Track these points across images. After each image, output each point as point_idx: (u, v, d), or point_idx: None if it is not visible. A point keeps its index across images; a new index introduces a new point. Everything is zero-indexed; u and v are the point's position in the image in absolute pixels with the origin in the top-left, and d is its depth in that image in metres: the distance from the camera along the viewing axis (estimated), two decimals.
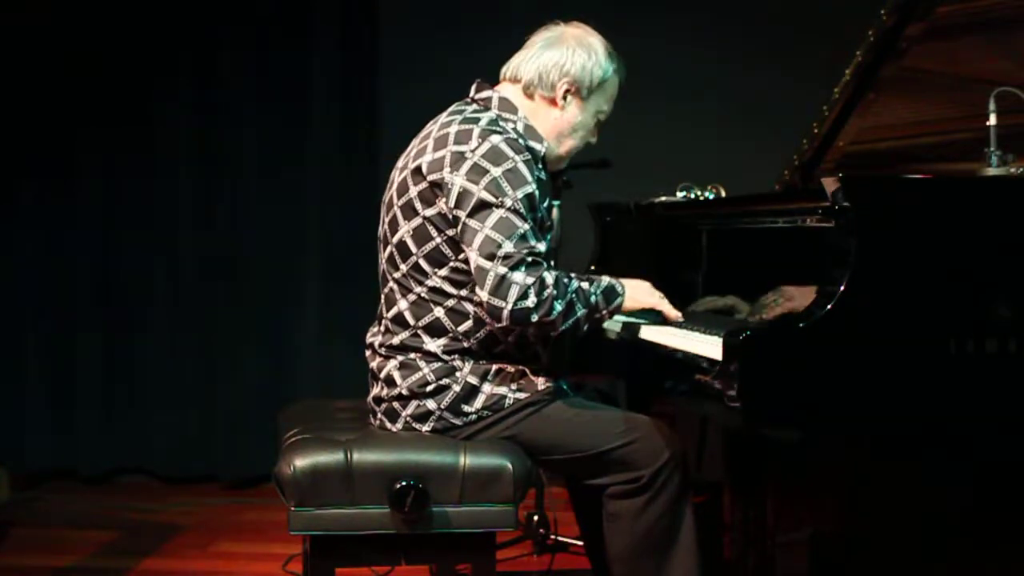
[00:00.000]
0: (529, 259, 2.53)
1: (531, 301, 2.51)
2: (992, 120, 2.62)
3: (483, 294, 2.53)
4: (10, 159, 4.96)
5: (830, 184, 2.33)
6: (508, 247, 2.51)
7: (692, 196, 3.44)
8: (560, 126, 2.75)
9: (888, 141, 3.24)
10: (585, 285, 2.63)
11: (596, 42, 2.76)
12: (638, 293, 2.73)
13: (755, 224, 2.96)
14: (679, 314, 2.76)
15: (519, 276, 2.51)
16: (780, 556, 2.92)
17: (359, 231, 4.40)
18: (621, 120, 4.69)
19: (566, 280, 2.59)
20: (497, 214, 2.53)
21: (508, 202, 2.54)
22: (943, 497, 2.48)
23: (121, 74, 4.97)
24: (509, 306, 2.51)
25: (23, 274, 5.00)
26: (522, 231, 2.54)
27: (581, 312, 2.60)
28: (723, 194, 3.40)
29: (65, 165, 5.00)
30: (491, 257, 2.52)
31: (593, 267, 3.71)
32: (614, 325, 2.89)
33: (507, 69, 2.78)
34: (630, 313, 2.77)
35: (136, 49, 4.97)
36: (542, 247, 2.57)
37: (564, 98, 2.73)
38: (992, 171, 2.59)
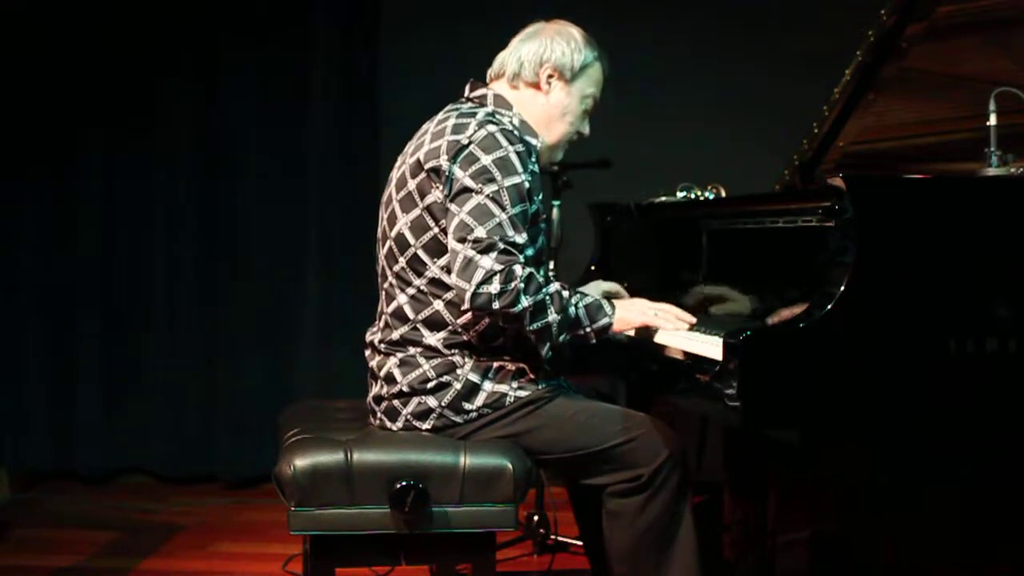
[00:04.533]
0: (501, 246, 2.52)
1: (494, 288, 2.50)
2: (992, 120, 2.62)
3: (452, 276, 2.55)
4: (10, 159, 4.96)
5: (830, 184, 2.33)
6: (479, 232, 2.52)
7: (692, 196, 3.44)
8: (549, 111, 2.78)
9: (888, 141, 3.24)
10: (566, 293, 2.60)
11: (575, 31, 2.81)
12: (630, 314, 2.67)
13: (755, 224, 2.96)
14: (683, 324, 2.69)
15: (487, 261, 2.51)
16: (780, 556, 2.92)
17: (359, 231, 4.40)
18: (621, 120, 4.73)
19: (540, 280, 2.57)
20: (475, 199, 2.55)
21: (489, 189, 2.55)
22: (943, 497, 2.48)
23: (121, 74, 4.97)
24: (471, 288, 2.51)
25: (23, 274, 5.00)
26: (499, 219, 2.54)
27: (553, 317, 2.57)
28: (723, 194, 3.41)
29: (65, 166, 5.00)
30: (462, 240, 2.53)
31: (593, 267, 3.71)
32: None
33: (491, 70, 2.84)
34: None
35: (136, 49, 4.96)
36: (520, 239, 2.56)
37: (548, 83, 2.77)
38: (992, 171, 2.59)
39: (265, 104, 4.99)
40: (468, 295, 2.51)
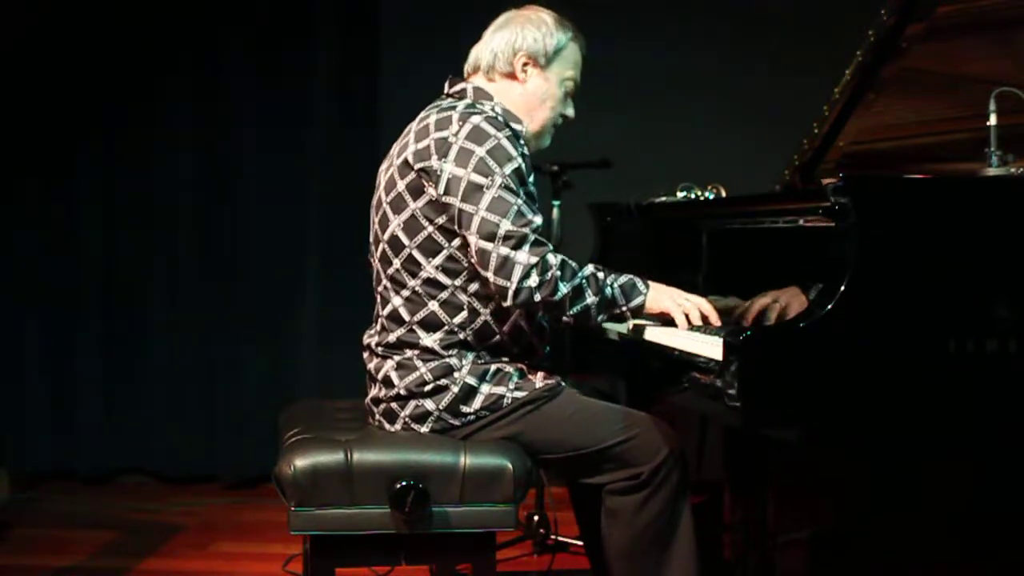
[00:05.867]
0: (532, 237, 2.54)
1: (533, 281, 2.52)
2: (992, 120, 2.62)
3: (488, 275, 2.55)
4: (10, 159, 4.96)
5: (830, 184, 2.33)
6: (507, 225, 2.53)
7: (692, 196, 3.44)
8: (528, 100, 2.77)
9: (888, 141, 3.24)
10: (600, 274, 2.61)
11: (545, 16, 2.80)
12: (661, 296, 2.65)
13: (755, 224, 2.96)
14: (715, 319, 2.64)
15: (522, 256, 2.53)
16: (780, 556, 2.92)
17: (359, 231, 4.40)
18: (621, 120, 4.74)
19: (574, 265, 2.59)
20: (489, 194, 2.55)
21: (498, 179, 2.56)
22: (943, 497, 2.48)
23: (122, 74, 4.97)
24: (514, 285, 2.52)
25: (23, 274, 5.00)
26: (516, 207, 2.55)
27: (591, 299, 2.58)
28: (723, 194, 3.40)
29: (66, 165, 5.00)
30: (491, 238, 2.53)
31: None
32: (617, 325, 2.86)
33: (467, 65, 2.83)
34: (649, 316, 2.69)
35: (136, 49, 4.97)
36: (538, 220, 2.58)
37: (524, 71, 2.76)
38: (992, 171, 2.59)
39: (265, 104, 4.99)
40: (511, 292, 2.53)
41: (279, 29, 5.00)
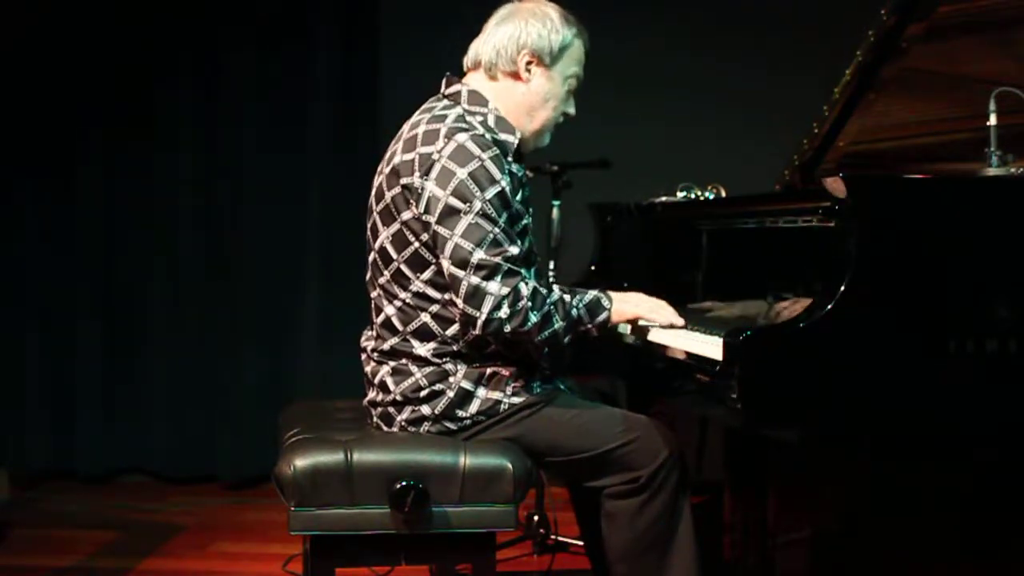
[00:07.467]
0: (505, 267, 2.50)
1: (504, 312, 2.50)
2: (992, 120, 2.62)
3: (458, 302, 2.53)
4: (10, 160, 4.96)
5: (830, 184, 2.34)
6: (479, 255, 2.49)
7: (692, 196, 3.44)
8: (530, 100, 2.70)
9: (888, 141, 3.24)
10: (567, 297, 2.60)
11: (550, 10, 2.71)
12: (626, 306, 2.67)
13: (755, 224, 2.96)
14: (679, 321, 2.70)
15: (494, 286, 2.50)
16: (780, 556, 2.92)
17: (359, 231, 4.41)
18: (621, 120, 4.74)
19: (544, 292, 2.56)
20: (465, 220, 2.50)
21: (476, 205, 2.51)
22: (943, 497, 2.48)
23: (122, 74, 4.97)
24: (483, 316, 2.50)
25: (23, 274, 5.00)
26: (493, 235, 2.51)
27: (559, 324, 2.57)
28: (723, 194, 3.41)
29: (66, 166, 5.00)
30: (463, 265, 2.50)
31: (593, 267, 3.72)
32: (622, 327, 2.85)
33: (467, 59, 2.75)
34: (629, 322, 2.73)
35: (136, 49, 4.96)
36: (515, 250, 2.53)
37: (527, 70, 2.68)
38: (992, 171, 2.59)
39: (265, 104, 4.99)
40: (480, 322, 2.51)
41: (279, 29, 4.99)
